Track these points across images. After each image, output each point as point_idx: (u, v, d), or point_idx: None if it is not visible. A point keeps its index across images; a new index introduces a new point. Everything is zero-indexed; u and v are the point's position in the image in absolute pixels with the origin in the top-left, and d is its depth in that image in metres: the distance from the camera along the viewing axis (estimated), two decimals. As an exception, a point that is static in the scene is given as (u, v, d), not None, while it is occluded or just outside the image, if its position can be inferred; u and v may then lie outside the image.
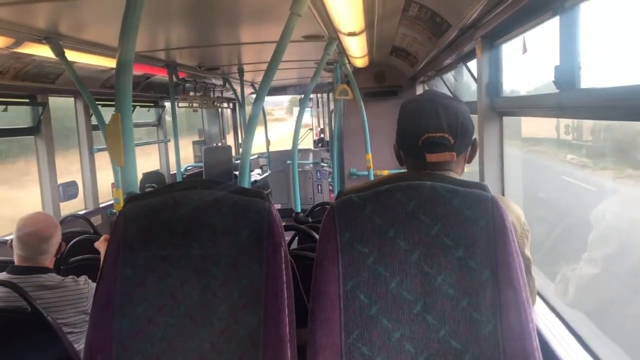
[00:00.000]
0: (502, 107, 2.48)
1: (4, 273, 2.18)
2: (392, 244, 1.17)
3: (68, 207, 4.39)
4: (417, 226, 1.16)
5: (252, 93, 8.08)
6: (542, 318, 1.97)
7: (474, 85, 2.83)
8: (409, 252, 1.16)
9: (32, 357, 1.86)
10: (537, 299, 1.86)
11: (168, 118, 6.28)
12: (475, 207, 1.15)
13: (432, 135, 1.36)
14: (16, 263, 2.21)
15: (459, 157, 1.41)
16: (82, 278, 2.29)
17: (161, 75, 4.96)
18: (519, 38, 2.19)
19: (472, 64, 3.14)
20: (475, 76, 2.74)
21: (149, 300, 1.26)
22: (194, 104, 6.14)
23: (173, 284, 1.26)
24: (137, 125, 6.03)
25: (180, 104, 5.63)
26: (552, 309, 2.04)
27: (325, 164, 8.45)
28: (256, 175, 7.85)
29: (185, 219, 1.27)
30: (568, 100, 1.73)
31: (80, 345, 2.13)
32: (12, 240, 2.25)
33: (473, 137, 1.44)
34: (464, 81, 4.07)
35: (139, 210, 1.31)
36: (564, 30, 1.70)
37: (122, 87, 1.52)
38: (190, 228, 1.27)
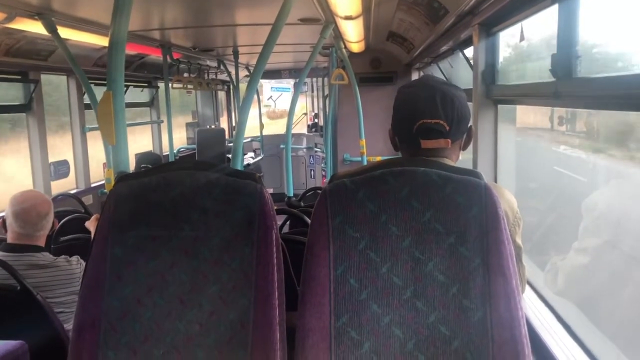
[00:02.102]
0: (498, 95, 2.48)
1: None
2: (384, 230, 1.17)
3: (59, 186, 4.37)
4: (410, 212, 1.16)
5: (246, 76, 8.03)
6: (530, 306, 1.98)
7: (469, 73, 2.81)
8: (400, 238, 1.16)
9: (22, 335, 1.85)
10: (527, 287, 1.87)
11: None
12: (468, 194, 1.15)
13: (427, 122, 1.35)
14: (10, 241, 2.19)
15: (454, 144, 1.41)
16: (75, 258, 2.28)
17: (155, 55, 4.91)
18: (517, 26, 2.18)
19: (469, 52, 3.13)
20: (472, 63, 2.73)
21: (138, 281, 1.25)
22: (188, 86, 6.10)
23: (163, 264, 1.26)
24: (130, 105, 5.98)
25: (174, 85, 5.58)
26: (541, 297, 2.05)
27: (319, 149, 8.44)
28: (249, 158, 7.83)
29: (176, 200, 1.27)
30: (565, 89, 1.72)
31: (71, 325, 2.12)
32: (3, 218, 2.23)
33: (469, 125, 1.44)
34: (459, 69, 4.06)
35: (130, 189, 1.30)
36: (563, 18, 1.69)
37: (115, 66, 1.51)
38: (182, 209, 1.26)
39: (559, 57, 1.70)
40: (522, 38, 2.11)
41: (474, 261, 1.14)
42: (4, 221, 2.23)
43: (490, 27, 2.44)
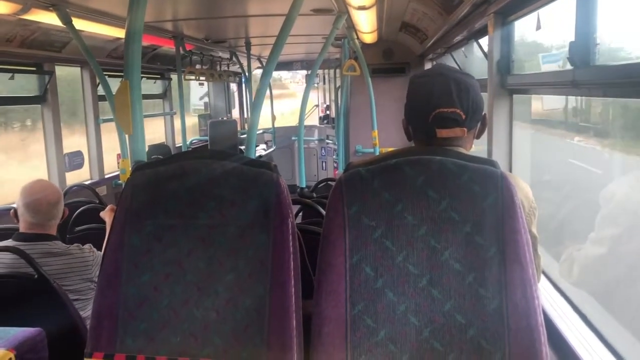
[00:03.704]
0: (513, 85, 2.46)
1: (9, 240, 2.19)
2: (400, 218, 1.16)
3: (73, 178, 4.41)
4: (425, 201, 1.16)
5: (258, 67, 8.02)
6: (546, 296, 1.97)
7: (484, 63, 2.79)
8: (416, 227, 1.16)
9: (39, 323, 1.87)
10: (542, 277, 1.86)
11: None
12: (484, 183, 1.14)
13: (443, 111, 1.34)
14: (22, 230, 2.22)
15: (469, 133, 1.40)
16: (87, 246, 2.31)
17: (168, 46, 4.93)
18: (533, 14, 2.15)
19: (483, 41, 3.10)
20: (487, 53, 2.70)
21: (156, 269, 1.26)
22: (201, 77, 6.10)
23: (180, 252, 1.26)
24: (143, 97, 5.99)
25: (187, 77, 5.60)
26: (557, 287, 2.04)
27: (331, 141, 8.43)
28: (261, 150, 7.84)
29: (192, 189, 1.27)
30: (583, 77, 1.69)
31: (85, 313, 2.15)
32: (14, 209, 2.26)
33: (483, 113, 1.43)
34: (473, 59, 4.02)
35: (147, 178, 1.30)
36: (581, 5, 1.66)
37: (131, 57, 1.52)
38: (198, 197, 1.27)
39: (576, 45, 1.68)
40: (538, 27, 2.08)
41: (490, 250, 1.13)
42: (15, 212, 2.25)
43: (506, 16, 2.41)
